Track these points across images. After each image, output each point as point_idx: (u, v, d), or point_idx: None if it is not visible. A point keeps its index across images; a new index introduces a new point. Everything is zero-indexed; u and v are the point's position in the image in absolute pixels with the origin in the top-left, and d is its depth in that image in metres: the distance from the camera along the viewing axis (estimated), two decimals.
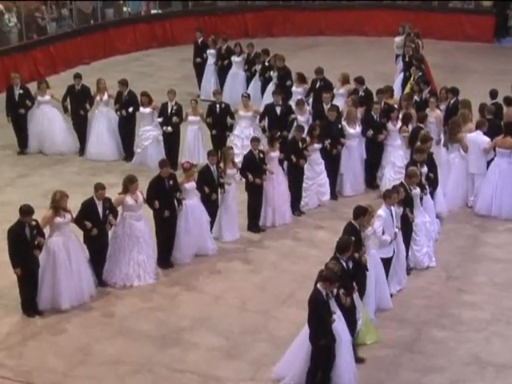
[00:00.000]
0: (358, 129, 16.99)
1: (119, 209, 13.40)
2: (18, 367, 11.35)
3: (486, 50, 29.57)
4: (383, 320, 12.38)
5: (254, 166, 15.06)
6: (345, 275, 10.88)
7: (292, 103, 18.40)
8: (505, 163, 15.95)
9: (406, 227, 13.28)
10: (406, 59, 21.83)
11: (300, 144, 15.76)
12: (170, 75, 25.85)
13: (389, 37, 25.36)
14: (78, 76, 19.19)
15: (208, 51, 23.37)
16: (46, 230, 12.66)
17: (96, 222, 12.90)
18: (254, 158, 15.12)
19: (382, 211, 12.64)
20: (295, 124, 17.45)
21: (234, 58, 22.67)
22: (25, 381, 11.07)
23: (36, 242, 12.27)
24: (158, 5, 31.00)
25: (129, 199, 13.33)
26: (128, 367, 11.35)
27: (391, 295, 12.88)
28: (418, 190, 13.71)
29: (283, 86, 19.74)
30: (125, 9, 30.36)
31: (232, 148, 15.46)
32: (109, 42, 28.51)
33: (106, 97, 18.99)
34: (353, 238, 11.44)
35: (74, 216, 12.85)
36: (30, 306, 12.55)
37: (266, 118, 17.77)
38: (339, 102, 18.43)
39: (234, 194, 14.99)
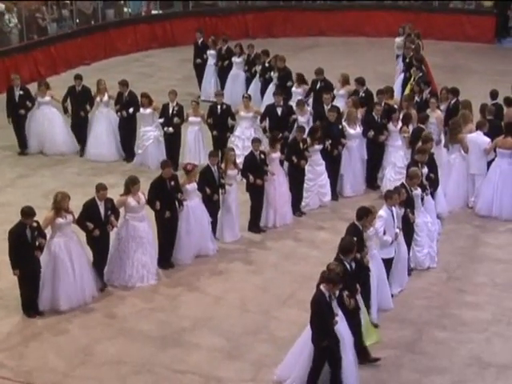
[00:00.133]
0: (359, 129, 16.99)
1: (121, 210, 13.39)
2: (18, 367, 11.34)
3: (486, 50, 29.58)
4: (384, 320, 12.37)
5: (254, 166, 15.06)
6: (348, 277, 10.86)
7: (292, 104, 18.38)
8: (505, 164, 15.95)
9: (408, 228, 13.28)
10: (407, 60, 21.82)
11: (301, 145, 15.76)
12: (170, 76, 25.86)
13: (389, 37, 25.37)
14: (78, 77, 19.19)
15: (208, 52, 23.38)
16: (48, 231, 12.65)
17: (98, 223, 12.88)
18: (254, 158, 15.12)
19: (383, 212, 12.64)
20: (296, 125, 17.45)
21: (235, 59, 22.67)
22: (25, 381, 11.06)
23: (37, 244, 12.26)
24: (159, 5, 31.00)
25: (131, 200, 13.32)
26: (129, 368, 11.35)
27: (392, 296, 12.88)
28: (419, 191, 13.71)
29: (284, 87, 19.73)
30: (125, 9, 30.37)
31: (233, 149, 15.46)
32: (109, 43, 28.53)
33: (106, 98, 19.00)
34: (355, 239, 11.43)
35: (76, 217, 12.84)
36: (30, 306, 12.54)
37: (267, 119, 17.76)
38: (339, 103, 18.44)
39: (235, 195, 14.98)
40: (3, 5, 25.23)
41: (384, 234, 12.51)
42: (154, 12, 30.88)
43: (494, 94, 17.83)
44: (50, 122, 19.33)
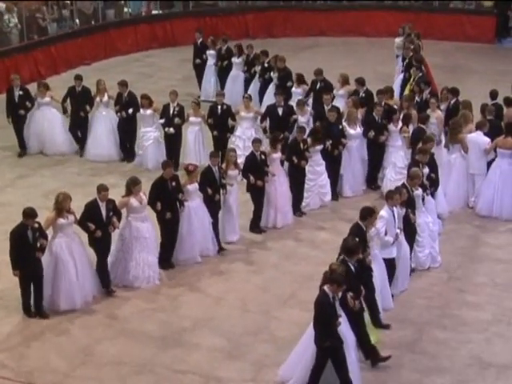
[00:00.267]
0: (359, 130, 17.00)
1: (123, 211, 13.38)
2: (19, 368, 11.34)
3: (486, 50, 29.57)
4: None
5: (255, 167, 15.06)
6: (352, 278, 10.86)
7: (293, 104, 18.38)
8: (505, 164, 15.95)
9: (409, 228, 13.28)
10: (406, 60, 21.81)
11: (301, 145, 15.76)
12: (170, 76, 25.87)
13: (389, 37, 25.36)
14: (78, 77, 19.18)
15: (208, 52, 23.37)
16: (49, 232, 12.63)
17: (99, 224, 12.86)
18: (255, 159, 15.11)
19: (384, 212, 12.64)
20: (296, 125, 17.46)
21: (234, 60, 22.66)
22: (26, 381, 11.06)
23: (38, 245, 12.24)
24: (159, 5, 31.00)
25: (133, 201, 13.30)
26: (130, 368, 11.35)
27: (392, 296, 12.88)
28: (419, 191, 13.71)
29: (284, 87, 19.72)
30: (125, 9, 30.36)
31: (234, 150, 15.42)
32: (109, 43, 28.52)
33: (105, 98, 18.99)
34: (357, 239, 11.44)
35: (78, 217, 12.83)
36: (36, 307, 12.49)
37: (268, 119, 17.76)
38: (339, 103, 18.44)
39: (236, 195, 14.97)
40: (4, 4, 25.22)
41: (385, 234, 12.51)
42: (154, 12, 30.88)
43: (493, 94, 17.84)
44: (49, 122, 19.32)
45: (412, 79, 20.24)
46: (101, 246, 13.06)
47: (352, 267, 11.06)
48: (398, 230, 12.74)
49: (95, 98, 19.06)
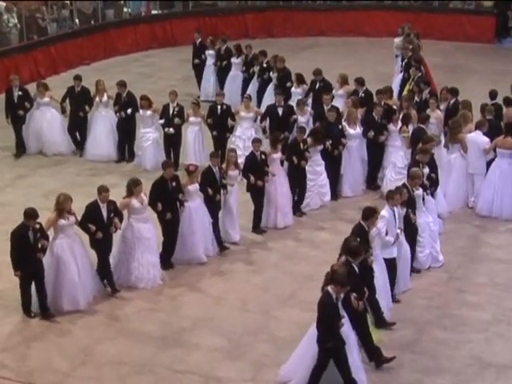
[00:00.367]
0: (359, 129, 16.99)
1: (124, 213, 13.34)
2: (18, 368, 11.34)
3: (486, 50, 29.57)
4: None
5: (255, 167, 15.05)
6: (357, 279, 10.86)
7: (292, 104, 18.37)
8: (505, 164, 15.95)
9: (410, 228, 13.28)
10: (405, 60, 21.80)
11: (301, 145, 15.76)
12: (169, 76, 25.87)
13: (389, 37, 25.35)
14: (77, 78, 19.18)
15: (207, 52, 23.37)
16: (50, 233, 12.60)
17: (100, 226, 12.82)
18: (255, 159, 15.11)
19: (385, 212, 12.64)
20: (296, 125, 17.46)
21: (233, 60, 22.65)
22: (26, 381, 11.06)
23: (40, 246, 12.21)
24: (159, 5, 31.00)
25: (135, 202, 13.27)
26: (129, 368, 11.34)
27: (394, 296, 12.88)
28: (420, 191, 13.71)
29: (283, 87, 19.71)
30: (125, 9, 30.37)
31: (234, 150, 15.38)
32: (109, 43, 28.52)
33: (105, 98, 18.98)
34: (358, 239, 11.44)
35: (78, 218, 12.80)
36: (42, 308, 12.44)
37: (268, 119, 17.75)
38: (338, 104, 18.41)
39: (236, 196, 14.96)
40: (4, 3, 25.21)
41: (386, 234, 12.51)
42: (153, 12, 30.88)
43: (493, 94, 17.84)
44: (48, 122, 19.29)
45: (411, 79, 20.24)
46: (102, 247, 13.03)
47: (356, 268, 11.06)
48: (399, 230, 12.74)
49: (94, 98, 19.05)
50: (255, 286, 13.61)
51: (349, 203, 16.67)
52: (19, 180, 18.07)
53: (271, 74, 21.02)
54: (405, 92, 19.88)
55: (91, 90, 19.21)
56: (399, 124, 16.79)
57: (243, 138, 17.97)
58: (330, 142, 16.38)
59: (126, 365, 11.41)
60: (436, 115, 17.21)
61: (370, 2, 32.00)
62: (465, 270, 14.20)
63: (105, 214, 12.88)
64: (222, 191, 14.53)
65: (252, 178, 14.92)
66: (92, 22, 28.61)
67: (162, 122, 18.02)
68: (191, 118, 18.04)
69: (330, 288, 10.31)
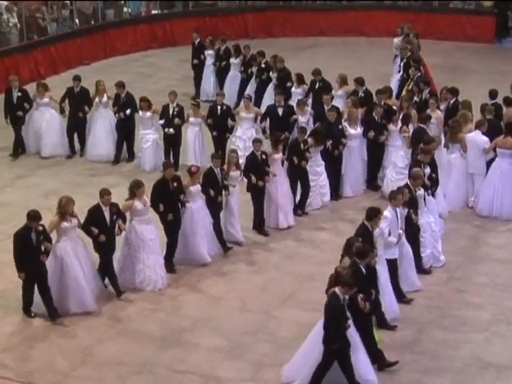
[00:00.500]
0: (359, 129, 16.98)
1: (127, 215, 13.31)
2: (19, 368, 11.34)
3: (486, 50, 29.55)
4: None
5: (256, 167, 15.04)
6: (364, 280, 10.85)
7: (293, 104, 18.36)
8: (506, 163, 15.94)
9: (411, 228, 13.27)
10: (404, 60, 21.79)
11: (302, 146, 15.75)
12: (169, 76, 25.86)
13: (389, 37, 25.32)
14: (77, 78, 19.15)
15: (206, 52, 23.34)
16: (53, 236, 12.55)
17: (103, 229, 12.76)
18: (256, 159, 15.10)
19: (387, 212, 12.64)
20: (296, 125, 17.45)
21: (232, 60, 22.62)
22: (26, 381, 11.06)
23: (43, 248, 12.15)
24: (159, 5, 30.99)
25: (138, 204, 13.23)
26: (129, 368, 11.34)
27: (405, 297, 12.90)
28: (422, 191, 13.71)
29: (283, 87, 19.69)
30: (125, 9, 30.34)
31: (235, 151, 15.32)
32: (109, 43, 28.49)
33: (105, 98, 18.95)
34: (360, 239, 11.43)
35: (81, 221, 12.74)
36: (48, 310, 12.38)
37: (268, 119, 17.73)
38: (337, 104, 18.36)
39: (238, 196, 14.94)
40: (5, 2, 25.19)
41: (389, 234, 12.50)
42: (153, 12, 30.85)
43: (493, 94, 17.83)
44: (47, 123, 19.23)
45: (410, 79, 20.22)
46: (105, 250, 12.96)
47: (363, 269, 11.05)
48: (401, 231, 12.73)
49: (94, 98, 19.03)
50: (255, 285, 13.61)
51: (349, 203, 16.67)
52: (19, 180, 18.05)
53: (271, 74, 21.01)
54: (404, 92, 19.86)
55: (91, 91, 19.19)
56: (399, 124, 16.79)
57: (243, 138, 17.94)
58: (331, 142, 16.37)
59: (126, 365, 11.41)
60: (436, 115, 17.20)
61: (370, 2, 31.97)
62: (465, 270, 14.20)
63: (107, 216, 12.82)
64: (223, 192, 14.51)
65: (253, 177, 14.91)
66: (92, 22, 28.57)
67: (161, 122, 18.00)
68: (191, 119, 18.03)
69: (337, 289, 10.30)
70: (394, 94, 19.83)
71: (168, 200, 13.64)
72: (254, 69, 21.73)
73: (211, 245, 14.43)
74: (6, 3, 25.14)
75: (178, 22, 30.21)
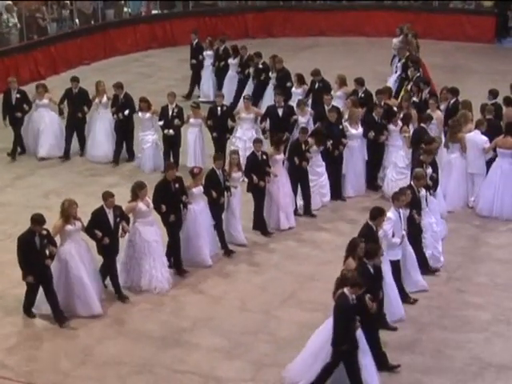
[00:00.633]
0: (361, 129, 16.96)
1: (130, 216, 13.27)
2: (18, 368, 11.34)
3: (486, 50, 29.54)
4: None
5: (256, 167, 15.03)
6: (372, 280, 10.85)
7: (293, 104, 18.35)
8: (506, 163, 15.93)
9: (414, 229, 13.27)
10: (403, 60, 21.79)
11: (303, 146, 15.74)
12: (169, 76, 25.86)
13: (389, 37, 25.31)
14: (75, 79, 19.09)
15: (205, 53, 23.31)
16: (57, 239, 12.49)
17: (107, 231, 12.71)
18: (256, 159, 15.09)
19: (391, 214, 12.63)
20: (296, 125, 17.45)
21: (230, 61, 22.59)
22: (26, 381, 11.06)
23: (48, 252, 12.09)
24: (159, 5, 30.98)
25: (141, 205, 13.19)
26: (129, 368, 11.34)
27: (409, 298, 12.91)
28: (424, 192, 13.72)
29: (283, 88, 19.67)
30: (125, 9, 30.34)
31: (236, 152, 15.30)
32: (109, 43, 28.48)
33: (105, 99, 18.91)
34: (364, 240, 11.43)
35: (84, 223, 12.69)
36: (55, 313, 12.33)
37: (268, 120, 17.72)
38: (337, 105, 18.31)
39: (239, 197, 14.93)
40: (8, 2, 25.20)
41: (393, 235, 12.50)
42: (153, 12, 30.85)
43: (493, 93, 17.80)
44: (46, 124, 19.18)
45: (409, 79, 20.19)
46: (109, 252, 12.93)
47: (371, 269, 11.05)
48: (404, 232, 12.73)
49: (94, 99, 19.00)
50: (255, 285, 13.60)
51: (350, 203, 16.67)
52: (19, 180, 18.04)
53: (270, 74, 20.99)
54: (402, 92, 19.85)
55: (90, 91, 19.16)
56: (399, 124, 16.79)
57: (244, 139, 17.91)
58: (331, 142, 16.37)
59: (126, 365, 11.41)
60: (436, 116, 17.19)
61: (370, 2, 31.97)
62: (465, 270, 14.20)
63: (111, 219, 12.78)
64: (226, 193, 14.48)
65: (255, 178, 14.90)
66: (92, 22, 28.56)
67: (161, 123, 17.95)
68: (191, 120, 17.99)
69: (346, 290, 10.30)
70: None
71: (170, 201, 13.60)
72: (252, 69, 21.69)
73: (211, 245, 14.41)
74: (6, 3, 25.12)
75: (178, 22, 30.19)
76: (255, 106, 19.34)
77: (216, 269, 14.11)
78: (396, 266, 12.64)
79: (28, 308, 12.52)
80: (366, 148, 17.16)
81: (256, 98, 20.64)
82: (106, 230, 12.71)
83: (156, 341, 11.97)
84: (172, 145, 17.99)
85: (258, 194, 15.19)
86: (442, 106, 17.96)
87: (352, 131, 16.83)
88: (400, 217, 12.71)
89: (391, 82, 21.55)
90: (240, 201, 14.97)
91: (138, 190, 13.20)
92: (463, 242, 15.21)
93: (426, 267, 13.65)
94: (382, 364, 11.15)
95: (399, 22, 25.58)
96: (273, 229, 15.46)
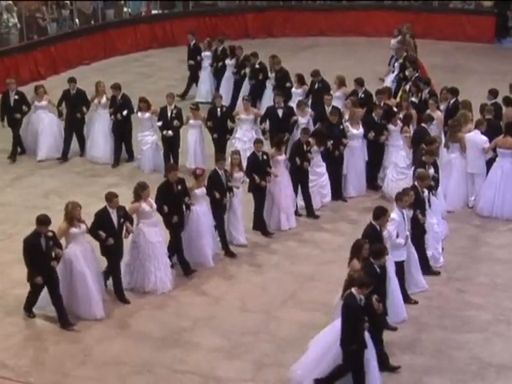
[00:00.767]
0: (361, 129, 16.96)
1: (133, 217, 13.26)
2: (18, 367, 11.33)
3: (486, 50, 29.54)
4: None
5: (257, 167, 15.02)
6: (378, 280, 10.86)
7: (292, 105, 18.35)
8: (507, 163, 15.92)
9: (417, 229, 13.26)
10: (400, 61, 21.79)
11: (304, 147, 15.73)
12: (169, 76, 25.87)
13: (389, 37, 25.30)
14: (72, 80, 19.04)
15: (203, 54, 23.28)
16: (62, 242, 12.45)
17: (111, 232, 12.67)
18: (257, 159, 15.09)
19: (395, 214, 12.62)
20: (296, 126, 17.44)
21: (228, 62, 22.56)
22: (26, 381, 11.06)
23: (53, 254, 12.04)
24: (159, 5, 30.99)
25: (145, 206, 13.16)
26: (129, 368, 11.34)
27: (410, 299, 12.90)
28: (426, 192, 13.72)
29: (282, 88, 19.65)
30: (125, 9, 30.34)
31: (237, 153, 15.29)
32: (109, 43, 28.48)
33: (104, 100, 18.85)
34: (368, 241, 11.43)
35: (88, 225, 12.66)
36: (60, 317, 12.29)
37: (267, 121, 17.71)
38: (336, 105, 18.34)
39: (241, 198, 14.92)
40: (9, 1, 25.19)
41: (397, 236, 12.49)
42: (153, 12, 30.85)
43: (493, 93, 17.79)
44: (45, 126, 19.14)
45: (408, 80, 20.18)
46: (113, 253, 12.89)
47: (377, 269, 11.05)
48: (408, 233, 12.73)
49: (93, 99, 18.98)
50: (256, 285, 13.60)
51: (350, 204, 16.66)
52: (19, 180, 18.04)
53: (269, 74, 20.97)
54: (400, 92, 19.85)
55: (90, 91, 19.13)
56: (399, 124, 16.79)
57: (244, 139, 17.88)
58: (331, 142, 16.36)
59: (126, 365, 11.40)
60: (436, 116, 17.19)
61: (370, 2, 31.96)
62: (465, 270, 14.20)
63: (115, 220, 12.73)
64: (228, 194, 14.48)
65: (257, 178, 14.90)
66: (92, 22, 28.57)
67: (159, 124, 17.90)
68: (191, 121, 17.93)
69: (353, 290, 10.31)
70: None
71: (172, 203, 13.57)
72: (248, 70, 21.65)
73: (212, 245, 14.40)
74: (6, 3, 25.12)
75: (178, 22, 30.18)
76: (253, 107, 19.36)
77: (216, 268, 14.10)
78: (400, 267, 12.65)
79: (29, 308, 12.50)
80: (367, 148, 17.16)
81: (254, 98, 20.53)
82: (109, 230, 12.66)
83: (156, 341, 11.97)
84: (171, 146, 17.93)
85: (259, 194, 15.19)
86: (442, 106, 17.96)
87: (353, 131, 16.82)
88: (404, 217, 12.70)
89: (388, 81, 21.55)
90: (241, 201, 14.95)
91: (140, 191, 13.18)
92: (463, 241, 15.21)
93: (427, 268, 13.65)
94: (383, 364, 11.15)
95: (399, 22, 25.60)
96: (273, 229, 15.45)
